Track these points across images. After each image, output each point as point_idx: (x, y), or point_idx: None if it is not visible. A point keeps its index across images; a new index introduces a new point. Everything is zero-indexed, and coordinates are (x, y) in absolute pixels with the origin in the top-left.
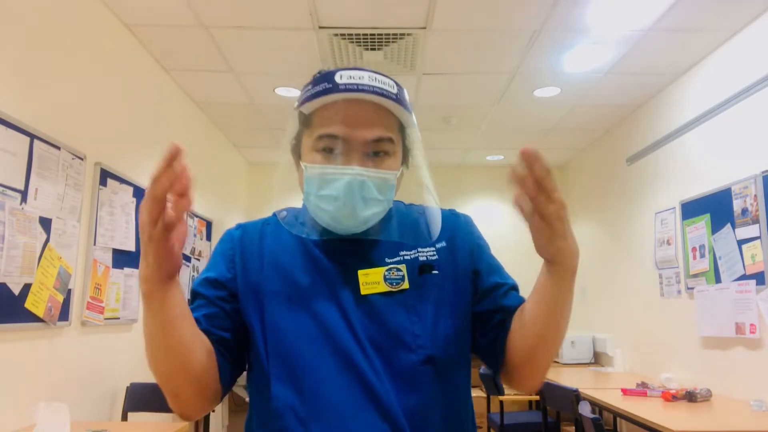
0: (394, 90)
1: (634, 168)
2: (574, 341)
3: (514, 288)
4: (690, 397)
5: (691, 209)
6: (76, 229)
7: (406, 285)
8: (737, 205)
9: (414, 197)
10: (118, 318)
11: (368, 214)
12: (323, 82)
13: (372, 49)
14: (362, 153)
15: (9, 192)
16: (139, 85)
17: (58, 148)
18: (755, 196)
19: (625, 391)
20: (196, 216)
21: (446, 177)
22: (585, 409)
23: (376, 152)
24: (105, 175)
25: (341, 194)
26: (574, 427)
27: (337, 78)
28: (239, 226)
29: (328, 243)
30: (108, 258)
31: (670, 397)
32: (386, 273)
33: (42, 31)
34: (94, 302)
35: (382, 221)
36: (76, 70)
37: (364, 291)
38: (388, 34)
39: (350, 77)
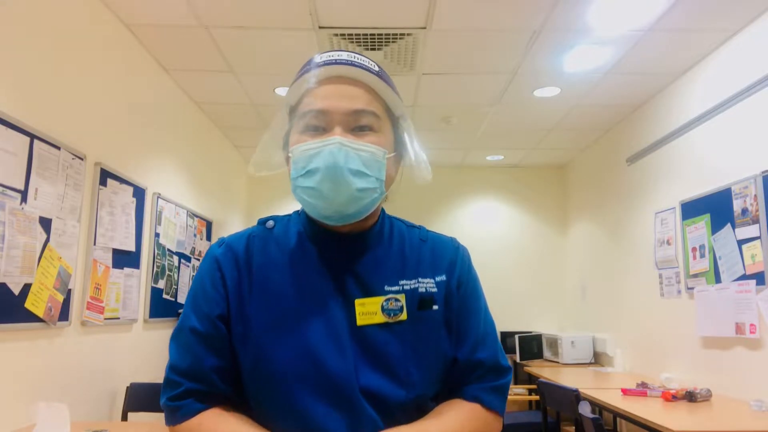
0: (375, 67)
1: (634, 168)
2: (574, 341)
3: (480, 365)
4: (690, 397)
5: (691, 209)
6: (76, 229)
7: (404, 316)
8: (737, 205)
9: (407, 180)
10: (118, 318)
11: (355, 189)
12: (305, 67)
13: (372, 49)
14: (344, 126)
15: (9, 192)
16: (139, 85)
17: (58, 148)
18: (755, 196)
19: (625, 391)
20: (196, 216)
21: (446, 177)
22: (585, 409)
23: (360, 127)
24: (105, 175)
25: (322, 166)
26: (574, 427)
27: (316, 58)
28: (222, 243)
29: (323, 262)
30: (108, 258)
31: (670, 397)
32: (384, 303)
33: (42, 31)
34: (94, 302)
35: (383, 235)
36: (76, 70)
37: (360, 322)
38: (388, 34)
39: (329, 56)
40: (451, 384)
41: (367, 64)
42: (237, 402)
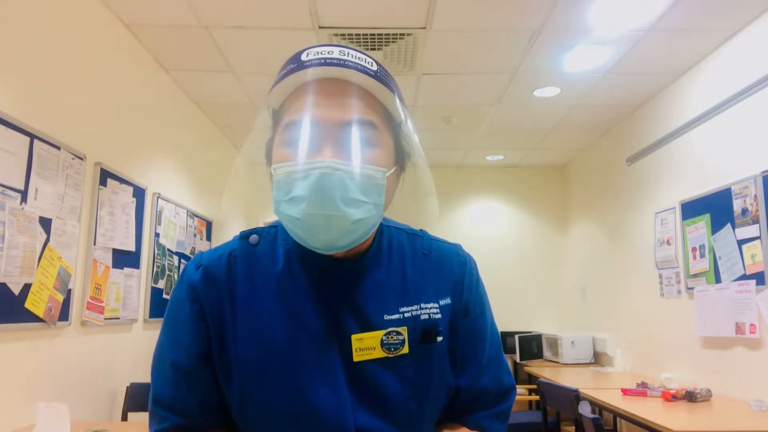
0: (373, 66)
1: (634, 168)
2: (574, 341)
3: (484, 393)
4: (690, 397)
5: (691, 209)
6: (76, 229)
7: (405, 350)
8: (737, 205)
9: (409, 205)
10: (118, 318)
11: (349, 222)
12: (289, 65)
13: (372, 49)
14: (336, 142)
15: (9, 192)
16: (139, 85)
17: (58, 148)
18: (755, 196)
19: (625, 391)
20: (196, 216)
21: (446, 177)
22: (585, 409)
23: (354, 142)
24: (105, 175)
25: (308, 194)
26: (574, 427)
27: (303, 56)
28: (199, 265)
29: (315, 291)
30: (108, 258)
31: (670, 397)
32: (384, 338)
33: (42, 31)
34: (94, 302)
35: (381, 255)
36: (76, 69)
37: (357, 358)
38: (388, 34)
39: (318, 53)
40: (453, 411)
41: (363, 63)
42: (226, 428)
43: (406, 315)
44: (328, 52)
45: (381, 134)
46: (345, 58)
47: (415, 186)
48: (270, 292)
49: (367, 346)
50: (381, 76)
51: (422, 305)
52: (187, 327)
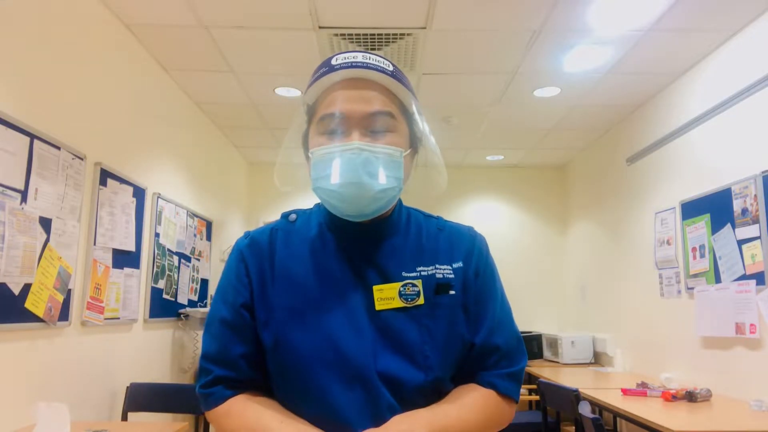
0: (390, 68)
1: (634, 168)
2: (574, 341)
3: (496, 351)
4: (690, 397)
5: (691, 209)
6: (76, 229)
7: (421, 301)
8: (737, 205)
9: (421, 178)
10: (118, 318)
11: (375, 191)
12: (322, 68)
13: (372, 49)
14: (362, 129)
15: (9, 192)
16: (139, 85)
17: (58, 148)
18: (755, 196)
19: (625, 391)
20: (196, 216)
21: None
22: (585, 409)
23: (377, 129)
24: (105, 175)
25: (344, 170)
26: (574, 427)
27: (333, 61)
28: (247, 236)
29: (342, 251)
30: (108, 258)
31: (670, 397)
32: (401, 289)
33: (42, 31)
34: (94, 302)
35: (400, 224)
36: (76, 69)
37: (378, 306)
38: (388, 34)
39: (345, 58)
40: (468, 368)
41: (381, 65)
42: (265, 387)
43: (422, 273)
44: (353, 57)
45: (398, 122)
46: (367, 61)
47: (426, 163)
48: (304, 253)
49: (387, 296)
50: (396, 74)
51: (437, 266)
52: (232, 283)
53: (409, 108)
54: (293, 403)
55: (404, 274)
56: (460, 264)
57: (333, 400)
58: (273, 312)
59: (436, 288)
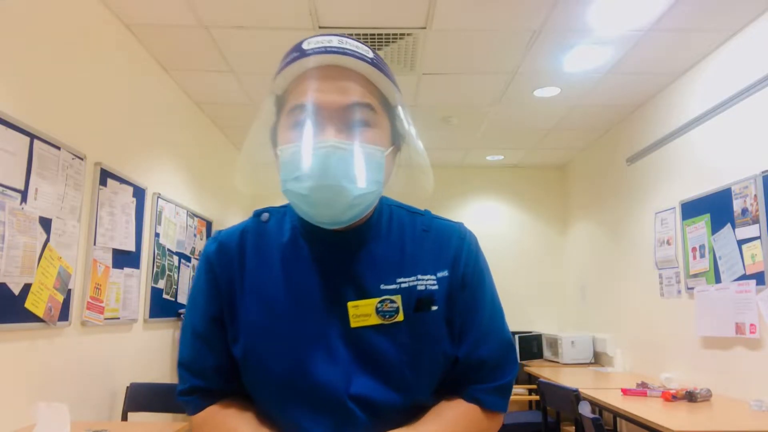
0: (369, 54)
1: (634, 168)
2: (574, 341)
3: (482, 365)
4: (690, 397)
5: (691, 209)
6: (76, 229)
7: (400, 317)
8: (737, 205)
9: (404, 180)
10: (118, 318)
11: (351, 197)
12: (292, 53)
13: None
14: (338, 123)
15: (9, 192)
16: (139, 85)
17: (58, 148)
18: (755, 196)
19: (625, 391)
20: (196, 216)
21: (446, 177)
22: (585, 409)
23: (355, 123)
24: (105, 175)
25: (315, 172)
26: (574, 427)
27: (304, 45)
28: (216, 240)
29: (316, 262)
30: (108, 258)
31: (670, 397)
32: (379, 305)
33: (42, 31)
34: (94, 302)
35: (381, 228)
36: (76, 70)
37: (354, 324)
38: (388, 34)
39: (318, 42)
40: (452, 382)
41: (360, 51)
42: (244, 394)
43: (403, 285)
44: (328, 41)
45: (378, 116)
46: (343, 46)
47: (409, 163)
48: (275, 262)
49: (362, 313)
50: (377, 62)
51: (419, 277)
52: (202, 293)
53: (391, 101)
54: (268, 417)
55: (383, 287)
56: (445, 273)
57: (301, 422)
58: (242, 328)
59: (417, 303)
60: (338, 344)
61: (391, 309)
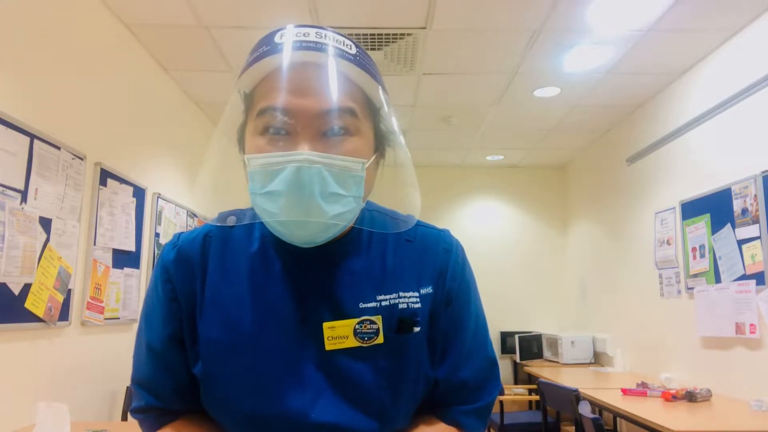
0: (352, 50)
1: (634, 168)
2: (574, 341)
3: (463, 386)
4: (690, 397)
5: (691, 209)
6: (76, 229)
7: (380, 339)
8: (737, 205)
9: (389, 195)
10: (118, 318)
11: (327, 217)
12: (262, 47)
13: (372, 49)
14: (314, 131)
15: (9, 192)
16: (139, 85)
17: (58, 148)
18: (755, 196)
19: (625, 391)
20: (196, 216)
21: (446, 177)
22: (585, 409)
23: (334, 132)
24: (105, 175)
25: (285, 189)
26: (574, 427)
27: (276, 38)
28: (175, 245)
29: (288, 276)
30: (108, 258)
31: (670, 397)
32: (357, 326)
33: (42, 31)
34: (94, 302)
35: (361, 241)
36: (76, 70)
37: (329, 346)
38: (388, 34)
39: (295, 35)
40: (430, 402)
41: (341, 46)
42: (202, 412)
43: (383, 303)
44: (304, 35)
45: (360, 121)
46: (322, 41)
47: (395, 163)
48: (241, 275)
49: (339, 334)
50: (361, 59)
51: (401, 294)
52: (159, 308)
53: (376, 102)
54: None
55: (362, 305)
56: (429, 290)
57: None
58: (201, 346)
59: (399, 324)
60: (309, 368)
61: (370, 330)
